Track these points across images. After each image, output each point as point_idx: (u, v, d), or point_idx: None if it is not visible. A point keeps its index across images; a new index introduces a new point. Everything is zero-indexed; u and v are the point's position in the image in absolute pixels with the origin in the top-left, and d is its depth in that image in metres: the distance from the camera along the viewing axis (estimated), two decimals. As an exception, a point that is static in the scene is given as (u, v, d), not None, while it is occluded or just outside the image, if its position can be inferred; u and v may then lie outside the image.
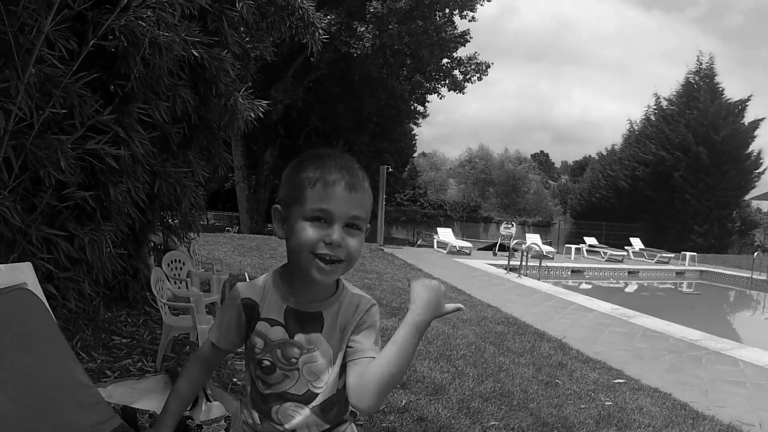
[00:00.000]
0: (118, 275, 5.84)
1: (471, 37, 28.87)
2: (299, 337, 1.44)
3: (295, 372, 1.44)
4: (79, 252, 4.50)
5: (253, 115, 6.72)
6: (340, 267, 1.36)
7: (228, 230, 28.72)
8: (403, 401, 4.35)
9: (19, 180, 3.96)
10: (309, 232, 1.33)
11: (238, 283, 1.53)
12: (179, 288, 6.03)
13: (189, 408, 3.07)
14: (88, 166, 4.52)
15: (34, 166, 3.97)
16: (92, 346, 4.85)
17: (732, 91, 59.04)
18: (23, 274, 2.46)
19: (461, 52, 29.63)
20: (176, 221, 6.99)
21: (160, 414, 1.55)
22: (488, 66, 29.82)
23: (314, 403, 1.45)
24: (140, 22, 4.30)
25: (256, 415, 1.50)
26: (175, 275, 6.39)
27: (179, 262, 6.66)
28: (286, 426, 1.45)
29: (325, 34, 7.32)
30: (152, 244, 6.95)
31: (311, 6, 6.94)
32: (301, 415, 1.45)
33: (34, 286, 2.46)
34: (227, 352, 1.59)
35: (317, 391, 1.45)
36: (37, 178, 4.13)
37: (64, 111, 4.06)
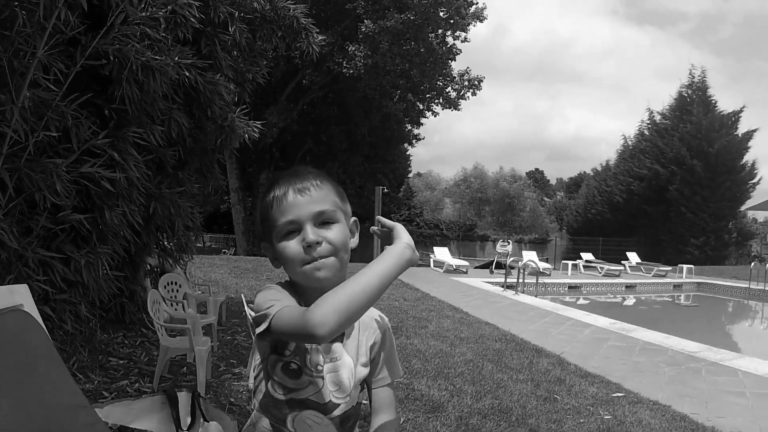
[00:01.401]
0: (115, 297, 5.84)
1: (460, 51, 29.02)
2: (324, 345, 1.44)
3: (320, 380, 1.43)
4: (76, 274, 4.51)
5: (248, 137, 6.74)
6: (330, 261, 1.37)
7: (224, 252, 28.69)
8: (401, 419, 4.34)
9: (15, 203, 3.98)
10: (289, 247, 1.36)
11: (263, 290, 1.45)
12: (176, 310, 6.02)
13: (186, 428, 3.06)
14: (83, 190, 4.54)
15: (29, 189, 3.99)
16: (89, 368, 4.83)
17: (725, 104, 59.68)
18: (19, 295, 2.46)
19: (453, 68, 29.84)
20: (171, 244, 7.00)
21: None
22: (480, 80, 30.01)
23: (335, 414, 1.44)
24: (134, 43, 4.34)
25: (265, 421, 1.46)
26: (171, 297, 6.39)
27: (176, 284, 6.66)
28: None
29: (320, 36, 7.34)
30: (148, 266, 6.95)
31: (301, 14, 6.96)
32: (320, 425, 1.43)
33: (31, 308, 2.46)
34: None
35: (338, 401, 1.45)
36: (32, 201, 4.15)
37: (58, 134, 4.09)
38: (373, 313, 1.56)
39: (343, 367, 1.45)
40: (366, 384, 1.55)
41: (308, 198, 1.37)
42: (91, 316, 5.08)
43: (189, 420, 3.12)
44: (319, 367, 1.43)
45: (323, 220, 1.38)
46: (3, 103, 3.62)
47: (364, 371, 1.49)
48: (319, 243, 1.35)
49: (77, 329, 4.82)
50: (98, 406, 2.82)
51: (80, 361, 4.91)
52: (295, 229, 1.36)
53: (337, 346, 1.45)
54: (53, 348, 2.46)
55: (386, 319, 1.59)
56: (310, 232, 1.35)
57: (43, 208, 4.13)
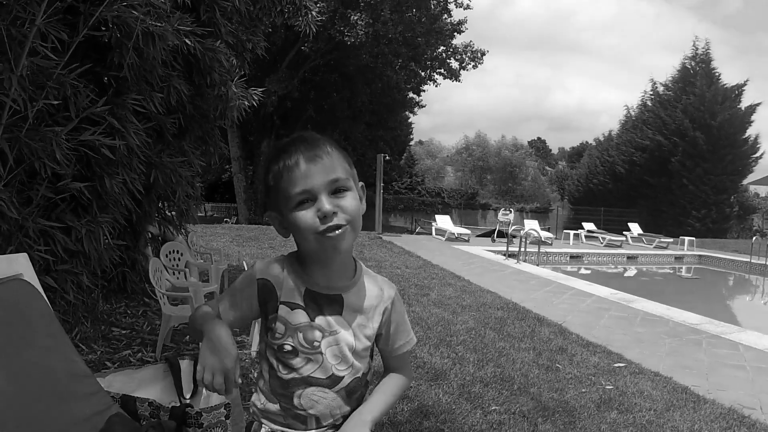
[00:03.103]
0: (116, 267, 5.84)
1: (466, 27, 28.77)
2: (320, 320, 1.42)
3: (318, 356, 1.42)
4: (77, 244, 4.49)
5: (247, 104, 6.68)
6: (347, 231, 1.35)
7: (226, 221, 28.71)
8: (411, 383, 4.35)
9: (15, 173, 3.94)
10: (304, 217, 1.33)
11: (258, 261, 1.50)
12: (177, 278, 6.02)
13: (189, 396, 3.06)
14: (83, 158, 4.50)
15: (29, 159, 3.96)
16: (92, 338, 4.85)
17: (730, 78, 59.03)
18: (19, 265, 2.44)
19: (456, 41, 29.56)
20: (173, 212, 6.99)
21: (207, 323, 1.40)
22: (483, 54, 29.73)
23: (339, 386, 1.44)
24: (132, 11, 4.27)
25: (273, 399, 1.46)
26: (173, 266, 6.39)
27: (177, 252, 6.66)
28: (310, 411, 1.43)
29: (318, 16, 7.24)
30: (150, 235, 6.94)
31: None
32: (326, 399, 1.43)
33: (31, 277, 2.44)
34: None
35: (342, 374, 1.44)
36: (32, 170, 4.11)
37: (57, 102, 4.04)
38: (380, 283, 1.53)
39: (342, 339, 1.43)
40: (381, 353, 1.55)
41: (321, 166, 1.33)
42: (93, 286, 5.08)
43: (191, 388, 3.12)
44: (316, 344, 1.42)
45: (336, 188, 1.35)
46: (1, 72, 3.56)
47: (366, 343, 1.47)
48: (335, 213, 1.32)
49: (79, 299, 4.82)
50: (100, 375, 2.82)
51: (83, 331, 4.92)
52: (308, 198, 1.33)
53: (335, 318, 1.43)
54: (54, 317, 2.45)
55: (393, 288, 1.55)
56: (326, 202, 1.32)
57: (44, 177, 4.09)
